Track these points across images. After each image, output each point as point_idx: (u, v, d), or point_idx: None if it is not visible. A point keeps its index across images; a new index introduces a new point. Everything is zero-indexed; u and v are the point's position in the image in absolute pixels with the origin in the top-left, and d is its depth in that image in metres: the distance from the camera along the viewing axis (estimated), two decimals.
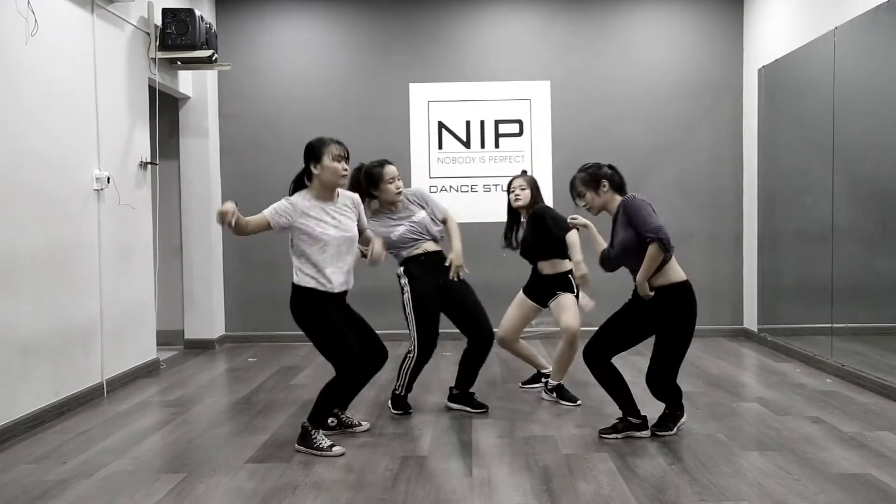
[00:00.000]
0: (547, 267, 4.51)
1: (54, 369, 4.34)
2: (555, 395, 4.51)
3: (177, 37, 5.62)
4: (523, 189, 4.54)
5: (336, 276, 3.60)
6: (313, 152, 3.57)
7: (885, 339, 4.91)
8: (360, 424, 3.99)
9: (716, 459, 3.40)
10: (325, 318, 3.60)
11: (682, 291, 3.63)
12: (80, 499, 3.05)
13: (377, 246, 3.82)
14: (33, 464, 3.49)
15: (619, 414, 3.82)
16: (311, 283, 3.60)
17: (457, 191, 6.88)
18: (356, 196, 3.82)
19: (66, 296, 4.47)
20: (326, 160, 3.53)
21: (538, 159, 6.86)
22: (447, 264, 4.25)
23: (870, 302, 5.01)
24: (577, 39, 6.88)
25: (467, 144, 6.91)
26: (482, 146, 6.91)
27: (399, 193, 4.18)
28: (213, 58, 5.91)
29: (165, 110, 6.17)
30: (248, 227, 3.49)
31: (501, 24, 6.91)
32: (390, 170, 4.15)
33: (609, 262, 3.80)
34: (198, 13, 5.69)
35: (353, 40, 6.89)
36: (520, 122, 6.90)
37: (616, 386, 3.81)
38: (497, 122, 6.91)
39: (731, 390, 4.74)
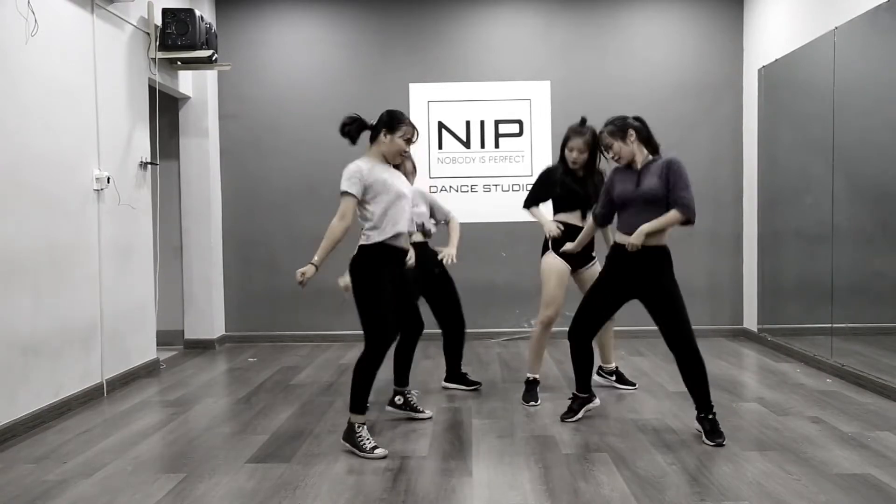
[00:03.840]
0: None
1: (54, 369, 4.34)
2: (614, 378, 4.85)
3: (177, 37, 5.62)
4: (581, 153, 4.35)
5: (400, 234, 3.65)
6: (391, 123, 3.69)
7: (885, 339, 4.91)
8: (423, 412, 4.17)
9: (716, 459, 3.41)
10: (374, 283, 3.56)
11: (668, 254, 3.75)
12: (80, 499, 3.05)
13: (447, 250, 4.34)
14: (33, 464, 3.50)
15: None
16: (379, 238, 3.59)
17: (457, 191, 6.88)
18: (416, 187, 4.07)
19: (66, 296, 4.47)
20: (398, 136, 3.66)
21: (538, 159, 6.86)
22: (440, 257, 4.39)
23: (870, 302, 5.01)
24: (577, 39, 6.88)
25: (467, 144, 6.91)
26: (482, 146, 6.91)
27: (405, 154, 4.08)
28: (213, 58, 5.90)
29: (165, 110, 6.17)
30: (345, 230, 3.55)
31: (501, 24, 6.91)
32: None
33: (605, 214, 3.92)
34: (198, 13, 5.69)
35: (353, 40, 6.89)
36: (520, 122, 6.90)
37: (583, 363, 4.00)
38: (497, 122, 6.91)
39: (731, 390, 4.74)
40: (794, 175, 5.90)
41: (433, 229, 4.65)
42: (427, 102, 6.90)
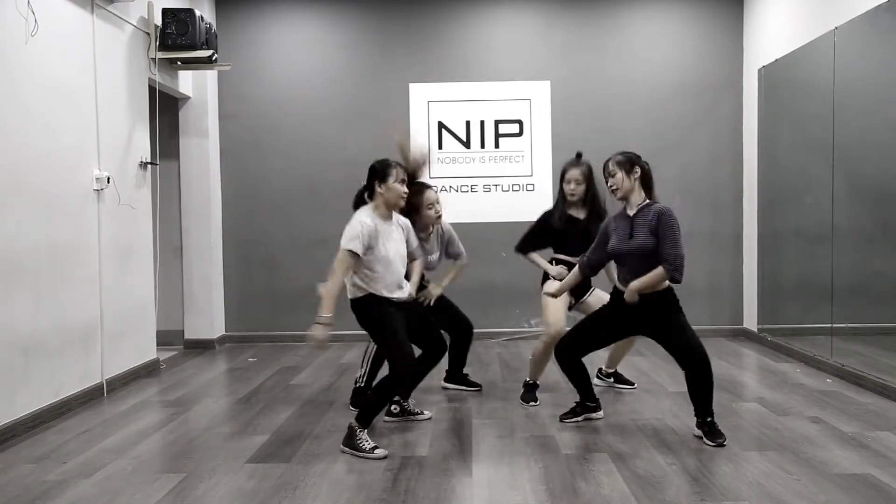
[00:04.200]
0: None
1: (54, 369, 4.34)
2: (612, 380, 4.89)
3: (177, 37, 5.62)
4: (579, 184, 4.42)
5: (393, 289, 3.72)
6: (382, 172, 3.71)
7: (885, 339, 4.91)
8: (422, 413, 4.18)
9: (716, 459, 3.41)
10: (381, 318, 3.69)
11: (671, 295, 3.69)
12: (80, 499, 3.05)
13: (432, 290, 4.43)
14: (33, 464, 3.50)
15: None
16: (370, 290, 3.69)
17: (457, 191, 6.87)
18: (407, 221, 3.94)
19: (66, 296, 4.47)
20: (391, 181, 3.69)
21: (538, 159, 6.86)
22: (420, 299, 4.34)
23: (870, 302, 5.01)
24: (577, 39, 6.88)
25: (467, 144, 6.91)
26: (482, 146, 6.91)
27: (439, 218, 4.43)
28: (213, 58, 5.90)
29: (165, 110, 6.17)
30: (340, 285, 3.62)
31: (501, 24, 6.91)
32: (430, 195, 4.36)
33: (594, 263, 3.94)
34: (198, 13, 5.69)
35: (353, 40, 6.89)
36: (520, 122, 6.90)
37: (581, 377, 4.00)
38: (497, 122, 6.91)
39: (731, 390, 4.74)
40: (794, 175, 5.90)
41: (437, 263, 4.62)
42: (427, 102, 6.90)
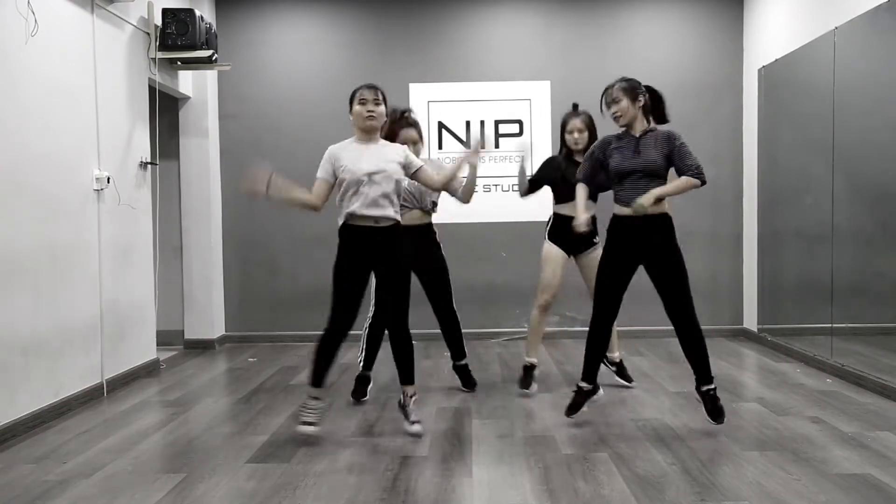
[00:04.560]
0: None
1: (54, 369, 4.34)
2: (615, 368, 4.89)
3: (177, 37, 5.62)
4: (581, 132, 4.49)
5: (364, 208, 3.67)
6: (351, 97, 3.77)
7: (885, 339, 4.91)
8: (413, 424, 3.83)
9: (716, 459, 3.41)
10: (337, 263, 3.75)
11: (671, 221, 3.78)
12: (80, 499, 3.05)
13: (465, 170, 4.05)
14: (33, 464, 3.50)
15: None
16: (342, 220, 3.75)
17: None
18: (404, 148, 3.89)
19: (66, 296, 4.47)
20: (354, 105, 3.74)
21: (538, 159, 6.84)
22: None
23: (870, 302, 5.01)
24: (577, 39, 6.88)
25: (467, 144, 6.91)
26: (482, 146, 6.90)
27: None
28: (213, 58, 5.90)
29: (165, 110, 6.17)
30: (299, 197, 3.68)
31: (501, 24, 6.91)
32: (406, 134, 4.37)
33: (588, 174, 3.97)
34: (198, 13, 5.69)
35: (353, 40, 6.89)
36: (520, 122, 6.90)
37: (600, 353, 3.96)
38: (497, 122, 6.91)
39: (731, 390, 4.73)
40: (794, 175, 5.90)
41: (435, 203, 4.59)
42: (427, 102, 6.89)
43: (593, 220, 4.51)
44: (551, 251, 4.58)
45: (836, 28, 5.05)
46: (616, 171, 3.77)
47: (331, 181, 3.73)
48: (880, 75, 4.74)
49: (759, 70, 6.38)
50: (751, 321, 6.68)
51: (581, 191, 4.08)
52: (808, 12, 5.58)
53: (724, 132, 6.85)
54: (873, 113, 4.86)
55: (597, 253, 4.44)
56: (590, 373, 3.98)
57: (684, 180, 3.70)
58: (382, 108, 3.76)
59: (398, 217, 3.77)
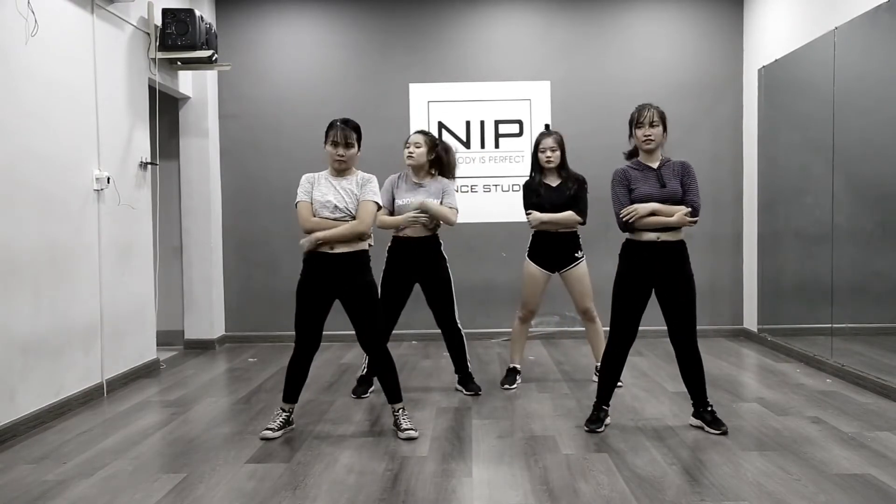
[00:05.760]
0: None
1: (54, 369, 4.34)
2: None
3: (177, 37, 5.62)
4: (554, 151, 4.68)
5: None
6: (325, 136, 3.90)
7: (885, 339, 4.91)
8: (407, 431, 3.79)
9: (716, 459, 3.41)
10: (298, 289, 3.99)
11: (686, 248, 3.89)
12: (80, 499, 3.05)
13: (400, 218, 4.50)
14: (33, 464, 3.50)
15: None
16: (305, 248, 3.88)
17: (457, 191, 6.81)
18: (369, 177, 3.94)
19: (65, 296, 4.47)
20: (327, 145, 3.87)
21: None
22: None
23: (870, 302, 5.01)
24: (577, 39, 6.88)
25: (467, 144, 6.91)
26: (482, 146, 6.91)
27: (409, 157, 4.64)
28: (213, 58, 5.90)
29: (165, 110, 6.17)
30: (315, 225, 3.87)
31: (501, 24, 6.91)
32: (413, 137, 4.70)
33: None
34: (198, 13, 5.69)
35: (353, 40, 6.89)
36: (520, 122, 6.90)
37: (616, 377, 3.96)
38: (497, 122, 6.91)
39: (731, 390, 4.74)
40: (794, 175, 5.90)
41: (432, 224, 4.63)
42: (427, 102, 6.90)
43: (575, 236, 4.76)
44: (531, 271, 4.79)
45: (836, 28, 5.05)
46: (644, 201, 3.80)
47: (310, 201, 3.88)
48: (880, 75, 4.74)
49: (759, 70, 6.38)
50: (751, 321, 6.68)
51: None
52: (808, 12, 5.58)
53: (724, 132, 6.85)
54: (873, 113, 4.86)
55: (581, 267, 4.74)
56: (605, 396, 3.96)
57: (678, 217, 3.77)
58: (354, 150, 3.85)
59: (359, 247, 3.84)
